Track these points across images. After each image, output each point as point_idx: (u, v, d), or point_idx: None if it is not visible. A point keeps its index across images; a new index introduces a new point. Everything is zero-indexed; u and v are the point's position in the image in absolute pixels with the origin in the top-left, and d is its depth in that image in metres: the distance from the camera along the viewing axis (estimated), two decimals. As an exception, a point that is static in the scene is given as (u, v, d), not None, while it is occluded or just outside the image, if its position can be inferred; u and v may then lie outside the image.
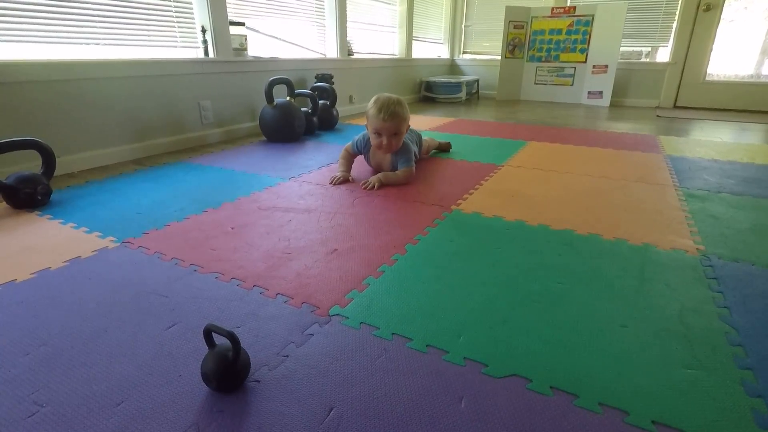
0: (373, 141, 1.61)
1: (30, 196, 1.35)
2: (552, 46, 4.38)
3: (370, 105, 1.58)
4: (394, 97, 1.57)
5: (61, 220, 1.27)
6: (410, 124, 1.66)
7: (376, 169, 1.74)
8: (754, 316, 0.84)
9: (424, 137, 2.02)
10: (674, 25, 4.00)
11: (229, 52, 2.38)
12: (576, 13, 4.18)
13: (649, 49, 4.27)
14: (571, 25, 4.23)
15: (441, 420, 0.59)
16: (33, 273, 0.97)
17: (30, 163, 1.61)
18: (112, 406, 0.61)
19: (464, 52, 5.19)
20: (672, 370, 0.69)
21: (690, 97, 4.12)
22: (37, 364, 0.69)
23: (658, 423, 0.59)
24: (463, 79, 4.58)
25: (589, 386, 0.65)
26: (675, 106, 4.16)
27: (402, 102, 1.58)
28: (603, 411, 0.61)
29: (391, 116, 1.53)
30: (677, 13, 3.96)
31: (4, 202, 1.37)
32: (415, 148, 1.75)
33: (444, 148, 2.17)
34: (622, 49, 4.10)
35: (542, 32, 4.39)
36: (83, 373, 0.67)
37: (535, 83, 4.58)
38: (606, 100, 4.18)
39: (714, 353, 0.73)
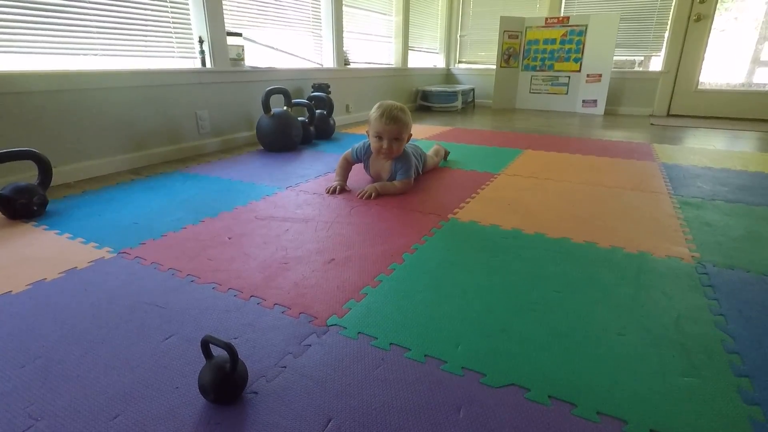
0: (374, 145, 1.61)
1: (26, 207, 1.34)
2: (546, 55, 4.43)
3: (373, 110, 1.60)
4: (397, 103, 1.60)
5: (57, 231, 1.27)
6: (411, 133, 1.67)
7: (375, 178, 1.75)
8: (750, 324, 0.84)
9: (428, 153, 2.00)
10: (666, 34, 4.06)
11: (226, 62, 2.39)
12: (570, 23, 4.23)
13: (642, 58, 4.32)
14: (564, 34, 4.29)
15: (439, 430, 0.59)
16: (28, 284, 0.97)
17: (26, 174, 1.60)
18: (108, 420, 0.61)
19: (460, 62, 5.24)
20: (669, 379, 0.69)
21: (683, 105, 4.16)
22: (33, 377, 0.69)
23: (656, 432, 0.59)
24: (459, 88, 4.62)
25: (587, 395, 0.66)
26: (668, 114, 4.21)
27: (405, 109, 1.61)
28: (601, 420, 0.61)
29: (394, 120, 1.54)
30: (669, 22, 4.02)
31: (0, 213, 1.37)
32: (416, 163, 1.76)
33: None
34: (615, 58, 4.15)
35: (537, 42, 4.45)
36: (79, 386, 0.67)
37: (530, 92, 4.62)
38: (600, 109, 4.22)
39: (711, 361, 0.74)
